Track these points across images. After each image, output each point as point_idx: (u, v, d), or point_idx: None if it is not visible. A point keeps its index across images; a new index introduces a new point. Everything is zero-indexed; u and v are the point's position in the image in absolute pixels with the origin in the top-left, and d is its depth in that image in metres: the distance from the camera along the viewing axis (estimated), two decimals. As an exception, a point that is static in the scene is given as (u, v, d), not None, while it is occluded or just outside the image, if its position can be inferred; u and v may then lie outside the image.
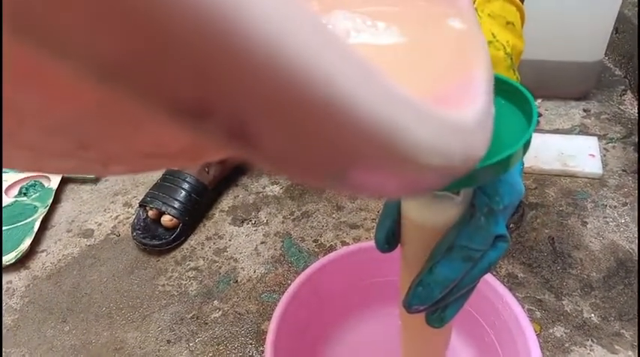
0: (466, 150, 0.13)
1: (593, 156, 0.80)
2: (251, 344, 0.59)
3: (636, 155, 0.81)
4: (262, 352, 0.57)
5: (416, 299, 0.29)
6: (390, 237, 0.31)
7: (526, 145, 0.23)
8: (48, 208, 0.79)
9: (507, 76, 0.35)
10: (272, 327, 0.47)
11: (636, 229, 0.69)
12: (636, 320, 0.58)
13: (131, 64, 0.07)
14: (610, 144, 0.83)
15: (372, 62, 0.10)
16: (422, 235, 0.29)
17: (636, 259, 0.65)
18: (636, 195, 0.74)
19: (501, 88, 0.26)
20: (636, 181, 0.76)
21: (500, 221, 0.27)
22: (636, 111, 0.90)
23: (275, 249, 0.71)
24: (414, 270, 0.29)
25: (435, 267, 0.27)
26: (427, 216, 0.28)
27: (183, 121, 0.08)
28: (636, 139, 0.84)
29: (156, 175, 0.80)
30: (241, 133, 0.08)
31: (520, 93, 0.26)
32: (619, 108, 0.91)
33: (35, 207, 0.79)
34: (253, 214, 0.78)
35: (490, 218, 0.27)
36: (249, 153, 0.09)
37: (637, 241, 0.67)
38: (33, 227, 0.75)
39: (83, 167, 0.12)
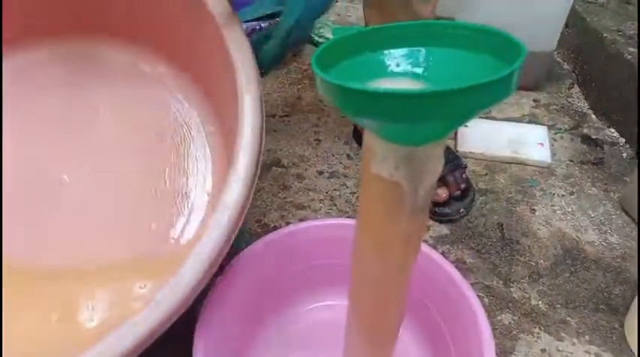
0: None
1: (542, 145, 0.79)
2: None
3: (584, 146, 0.81)
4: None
5: None
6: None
7: (511, 77, 0.20)
8: None
9: None
10: (204, 306, 0.42)
11: (583, 218, 0.69)
12: (581, 308, 0.58)
13: None
14: (558, 134, 0.84)
15: None
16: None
17: (582, 247, 0.65)
18: (582, 185, 0.74)
19: (497, 43, 0.23)
20: (583, 172, 0.76)
21: None
22: (583, 104, 0.91)
23: (213, 228, 0.65)
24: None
25: None
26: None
27: None
28: (584, 131, 0.85)
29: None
30: None
31: (513, 44, 0.23)
32: (567, 100, 0.92)
33: None
34: (191, 191, 0.71)
35: None
36: None
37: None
38: None
39: None
